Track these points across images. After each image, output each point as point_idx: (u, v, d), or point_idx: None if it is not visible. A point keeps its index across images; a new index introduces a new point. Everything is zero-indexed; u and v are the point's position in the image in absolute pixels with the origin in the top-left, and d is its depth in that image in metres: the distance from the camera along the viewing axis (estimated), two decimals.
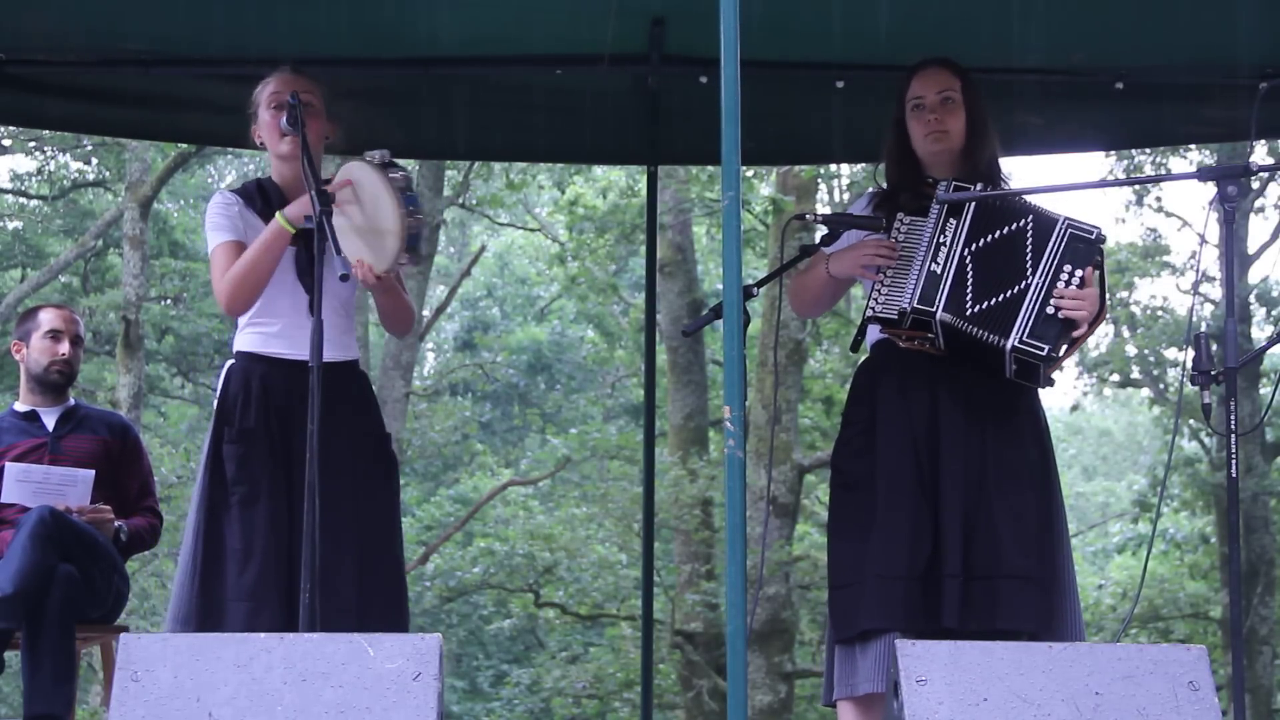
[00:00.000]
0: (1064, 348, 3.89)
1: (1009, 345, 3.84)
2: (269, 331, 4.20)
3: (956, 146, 4.09)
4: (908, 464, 3.98)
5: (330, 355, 3.93)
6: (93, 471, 4.96)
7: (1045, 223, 3.93)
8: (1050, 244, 3.91)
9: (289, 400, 4.11)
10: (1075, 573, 4.13)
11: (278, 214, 4.08)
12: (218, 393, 4.23)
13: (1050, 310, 3.85)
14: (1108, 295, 4.02)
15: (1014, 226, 3.94)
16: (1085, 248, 3.90)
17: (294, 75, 4.23)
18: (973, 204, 3.95)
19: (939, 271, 3.92)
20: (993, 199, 3.97)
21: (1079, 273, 3.88)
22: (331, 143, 4.32)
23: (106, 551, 4.84)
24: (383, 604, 4.17)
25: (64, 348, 5.13)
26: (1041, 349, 3.84)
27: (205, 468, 4.17)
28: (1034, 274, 3.89)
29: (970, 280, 3.91)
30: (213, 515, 4.11)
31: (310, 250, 3.98)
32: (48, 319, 5.17)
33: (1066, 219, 3.93)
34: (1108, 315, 4.23)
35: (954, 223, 3.96)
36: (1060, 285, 3.87)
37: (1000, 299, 3.88)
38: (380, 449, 4.30)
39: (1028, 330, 3.84)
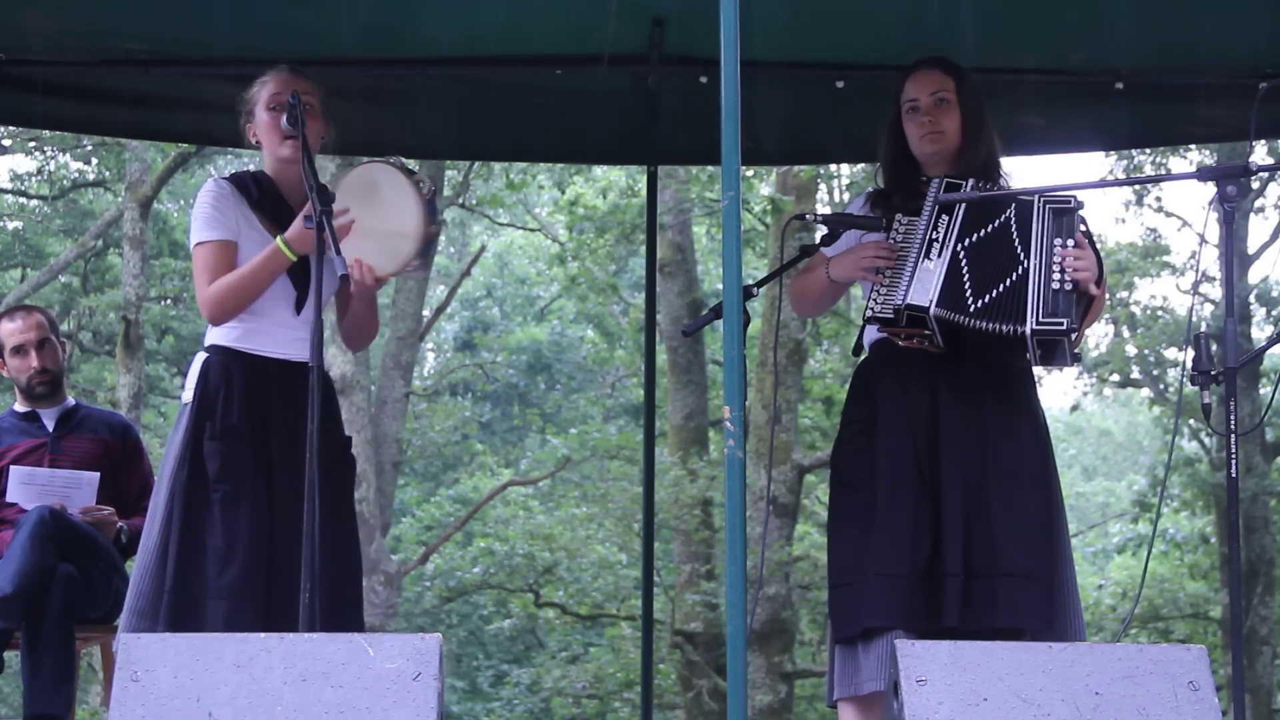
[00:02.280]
0: (1080, 315, 3.89)
1: (1028, 330, 3.85)
2: (251, 328, 4.14)
3: (952, 147, 4.10)
4: (908, 462, 3.98)
5: (304, 355, 3.91)
6: (98, 474, 4.96)
7: (1024, 205, 3.95)
8: (1034, 224, 3.92)
9: (269, 399, 4.09)
10: (1075, 572, 4.14)
11: (278, 239, 4.02)
12: (194, 386, 4.13)
13: (1055, 285, 3.87)
14: (1105, 271, 4.03)
15: (1000, 218, 3.96)
16: (1068, 217, 3.92)
17: (292, 75, 4.21)
18: (964, 201, 3.96)
19: (932, 268, 3.93)
20: (985, 197, 3.98)
21: (1069, 242, 3.89)
22: (326, 143, 4.30)
23: (106, 551, 4.84)
24: (347, 605, 4.14)
25: (34, 360, 5.08)
26: (1060, 323, 3.84)
27: (181, 461, 4.08)
28: (1028, 257, 3.90)
29: (966, 275, 3.91)
30: (189, 511, 4.04)
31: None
32: (9, 336, 5.10)
33: (1041, 195, 3.95)
34: (1107, 297, 4.23)
35: (946, 219, 3.97)
36: (1057, 259, 3.88)
37: (1002, 288, 3.89)
38: (344, 451, 4.27)
39: (1042, 310, 3.85)
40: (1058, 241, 3.89)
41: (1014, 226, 3.94)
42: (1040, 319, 3.85)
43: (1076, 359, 3.96)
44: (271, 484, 4.04)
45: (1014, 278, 3.90)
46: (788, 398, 13.48)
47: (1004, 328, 3.87)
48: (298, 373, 3.98)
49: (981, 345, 3.93)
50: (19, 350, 5.09)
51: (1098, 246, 4.01)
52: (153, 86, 5.18)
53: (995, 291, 3.89)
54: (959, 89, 4.11)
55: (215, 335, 4.19)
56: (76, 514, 4.82)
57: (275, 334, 4.13)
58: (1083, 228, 3.95)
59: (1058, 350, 3.89)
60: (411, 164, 4.22)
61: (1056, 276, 3.87)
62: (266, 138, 4.19)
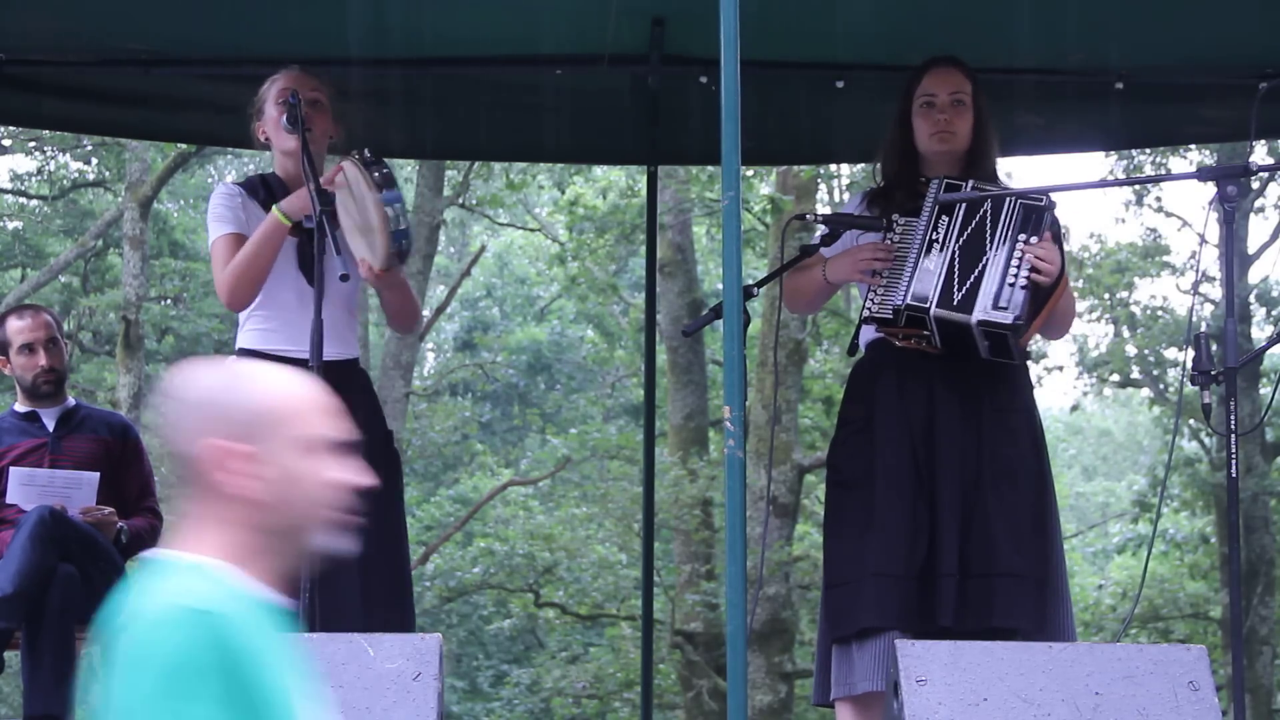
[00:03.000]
0: (1029, 313, 3.88)
1: (974, 320, 3.86)
2: (271, 328, 4.18)
3: (961, 148, 4.10)
4: (905, 462, 3.98)
5: (332, 353, 3.93)
6: (97, 474, 4.95)
7: (998, 201, 3.97)
8: (1003, 218, 3.94)
9: None
10: (1067, 572, 4.15)
11: (274, 207, 4.07)
12: None
13: (1011, 280, 3.87)
14: (1067, 262, 4.04)
15: (979, 214, 3.97)
16: (1036, 215, 3.92)
17: (301, 73, 4.22)
18: (964, 202, 3.97)
19: (932, 268, 3.94)
20: (985, 197, 3.99)
21: (1034, 239, 3.89)
22: (335, 142, 4.31)
23: (106, 551, 4.83)
24: (388, 604, 4.16)
25: (42, 359, 5.07)
26: (1006, 317, 3.85)
27: None
28: (991, 249, 3.91)
29: (958, 273, 3.93)
30: None
31: (312, 245, 3.99)
32: (17, 334, 5.08)
33: (1017, 193, 3.96)
34: (1071, 285, 4.24)
35: (946, 220, 3.98)
36: (1018, 255, 3.88)
37: (970, 280, 3.90)
38: (383, 447, 4.29)
39: (991, 302, 3.86)
40: (1021, 237, 3.90)
41: (988, 221, 3.95)
42: (988, 310, 3.86)
43: (1025, 356, 3.97)
44: None
45: (978, 270, 3.91)
46: (788, 398, 13.48)
47: (959, 318, 3.88)
48: (326, 369, 3.97)
49: (969, 339, 3.94)
50: (28, 348, 5.08)
51: (1064, 249, 4.01)
52: (153, 86, 5.18)
53: (968, 284, 3.91)
54: (974, 92, 4.11)
55: (243, 339, 4.24)
56: (76, 514, 4.82)
57: (294, 332, 4.13)
58: (1052, 225, 3.94)
59: (1004, 345, 3.89)
60: (410, 163, 4.22)
61: (1014, 271, 3.88)
62: (274, 133, 4.21)
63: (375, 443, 4.27)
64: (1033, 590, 3.94)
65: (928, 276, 3.93)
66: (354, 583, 4.07)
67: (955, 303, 3.90)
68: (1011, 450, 4.02)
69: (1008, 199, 3.95)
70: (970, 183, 4.00)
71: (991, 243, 3.92)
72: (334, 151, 4.39)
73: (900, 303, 3.93)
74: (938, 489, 3.96)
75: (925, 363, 4.02)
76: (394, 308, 4.35)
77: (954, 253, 3.95)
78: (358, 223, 4.04)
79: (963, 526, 3.93)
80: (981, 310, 3.86)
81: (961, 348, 3.96)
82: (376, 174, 3.99)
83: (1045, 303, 3.93)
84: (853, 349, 4.25)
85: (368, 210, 4.00)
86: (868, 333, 4.13)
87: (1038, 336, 4.19)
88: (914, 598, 3.90)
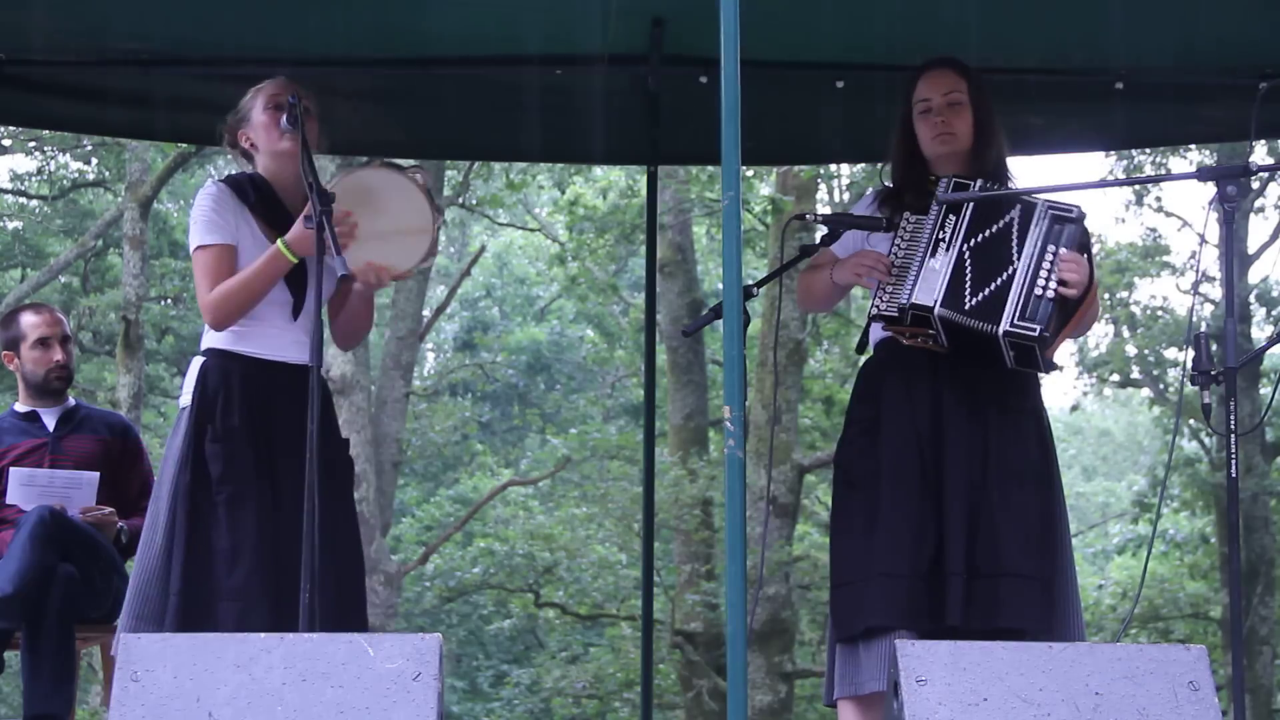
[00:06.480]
0: (1056, 324, 3.88)
1: (1000, 331, 3.85)
2: (248, 331, 4.13)
3: (964, 148, 4.10)
4: (912, 462, 3.98)
5: (301, 358, 3.92)
6: (97, 474, 4.95)
7: (1027, 209, 3.96)
8: (1032, 228, 3.93)
9: (267, 401, 4.09)
10: (1076, 573, 4.14)
11: (279, 241, 4.01)
12: (193, 389, 4.12)
13: (1039, 291, 3.86)
14: (1097, 272, 4.02)
15: (1005, 219, 3.97)
16: (1066, 227, 3.92)
17: (287, 81, 4.22)
18: (971, 201, 3.96)
19: (937, 268, 3.93)
20: (994, 197, 3.98)
21: (1063, 252, 3.89)
22: (315, 150, 4.28)
23: (106, 551, 4.84)
24: (352, 605, 4.15)
25: (57, 354, 5.09)
26: (1033, 329, 3.84)
27: (183, 465, 4.06)
28: (1019, 258, 3.90)
29: (969, 275, 3.92)
30: (194, 514, 4.03)
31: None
32: (32, 328, 5.11)
33: (1046, 201, 3.95)
34: (1100, 310, 4.22)
35: (953, 219, 3.97)
36: (1046, 266, 3.88)
37: (992, 288, 3.90)
38: (342, 453, 4.28)
39: (1018, 313, 3.85)
40: (1050, 249, 3.89)
41: (1015, 228, 3.95)
42: (1014, 321, 3.85)
43: (1053, 367, 3.96)
44: (275, 486, 4.04)
45: (1003, 278, 3.90)
46: (788, 398, 13.49)
47: (983, 326, 3.87)
48: (296, 375, 3.99)
49: (983, 344, 3.94)
50: (43, 342, 5.09)
51: (1094, 261, 4.00)
52: (153, 86, 5.18)
53: (987, 290, 3.90)
54: (971, 90, 4.11)
55: (212, 339, 4.18)
56: (76, 514, 4.82)
57: (271, 336, 4.12)
58: (1081, 237, 3.94)
59: (1031, 356, 3.89)
60: (407, 163, 4.22)
61: (1041, 282, 3.87)
62: (265, 136, 4.18)
63: (333, 449, 4.23)
64: (1039, 592, 3.94)
65: (933, 276, 3.93)
66: (330, 585, 4.02)
67: (966, 306, 3.89)
68: (1018, 451, 4.01)
69: (1038, 207, 3.94)
70: (979, 182, 4.00)
71: (1019, 251, 3.92)
72: (319, 151, 4.37)
73: (905, 302, 3.93)
74: (944, 489, 3.96)
75: (933, 363, 4.02)
76: (359, 318, 4.32)
77: (962, 253, 3.93)
78: (383, 228, 4.02)
79: (969, 527, 3.93)
80: (1008, 321, 3.85)
81: (970, 348, 3.96)
82: (419, 177, 4.01)
83: (1073, 314, 3.93)
84: (861, 346, 4.25)
85: (409, 213, 4.00)
86: (876, 331, 4.13)
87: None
88: (920, 597, 3.90)
